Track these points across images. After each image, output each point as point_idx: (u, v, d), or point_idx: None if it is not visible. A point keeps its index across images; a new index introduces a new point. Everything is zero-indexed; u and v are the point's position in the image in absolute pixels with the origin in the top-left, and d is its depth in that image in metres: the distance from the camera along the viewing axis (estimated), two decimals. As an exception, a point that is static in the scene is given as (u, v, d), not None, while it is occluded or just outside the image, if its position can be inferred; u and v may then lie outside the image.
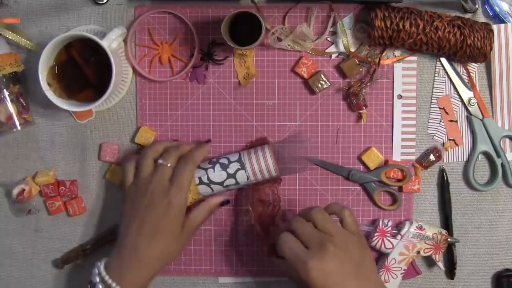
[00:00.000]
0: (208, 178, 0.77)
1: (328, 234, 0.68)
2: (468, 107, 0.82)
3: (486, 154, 0.82)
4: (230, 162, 0.78)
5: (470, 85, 0.82)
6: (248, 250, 0.84)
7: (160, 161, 0.76)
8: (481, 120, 0.82)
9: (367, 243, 0.72)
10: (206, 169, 0.77)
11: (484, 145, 0.82)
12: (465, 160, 0.83)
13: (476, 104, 0.82)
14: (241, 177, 0.77)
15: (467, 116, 0.82)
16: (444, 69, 0.81)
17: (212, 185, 0.77)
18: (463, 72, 0.82)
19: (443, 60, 0.81)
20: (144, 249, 0.73)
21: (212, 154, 0.83)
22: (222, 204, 0.79)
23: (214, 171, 0.77)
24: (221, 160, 0.78)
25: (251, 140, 0.83)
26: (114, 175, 0.83)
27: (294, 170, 0.82)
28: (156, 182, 0.74)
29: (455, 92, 0.82)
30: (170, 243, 0.74)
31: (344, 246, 0.67)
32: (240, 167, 0.77)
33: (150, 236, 0.73)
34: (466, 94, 0.82)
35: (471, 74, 0.82)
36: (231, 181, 0.77)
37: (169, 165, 0.75)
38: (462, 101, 0.82)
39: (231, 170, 0.77)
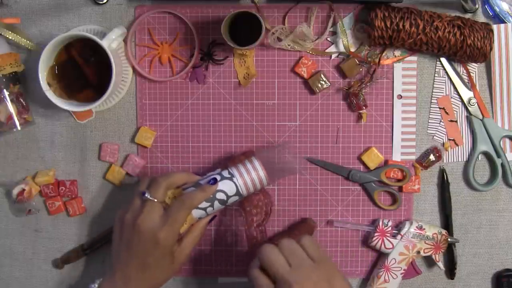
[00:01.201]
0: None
1: (295, 267, 0.65)
2: (468, 107, 0.82)
3: (486, 154, 0.82)
4: (228, 197, 0.74)
5: (470, 85, 0.82)
6: (248, 250, 0.84)
7: (147, 195, 0.71)
8: (481, 120, 0.82)
9: (369, 242, 0.71)
10: (205, 209, 0.74)
11: (484, 145, 0.82)
12: (465, 160, 0.83)
13: (476, 104, 0.82)
14: (235, 198, 0.75)
15: (467, 116, 0.82)
16: (444, 69, 0.81)
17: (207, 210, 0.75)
18: (463, 72, 0.82)
19: (443, 60, 0.81)
20: (134, 279, 0.71)
21: (212, 154, 0.83)
22: (210, 221, 0.77)
23: (213, 209, 0.74)
24: (219, 196, 0.73)
25: (231, 156, 0.82)
26: (114, 175, 0.83)
27: (283, 173, 0.82)
28: (144, 219, 0.70)
29: (455, 92, 0.82)
30: (160, 275, 0.73)
31: (311, 281, 0.65)
32: (236, 193, 0.74)
33: (139, 269, 0.71)
34: (466, 94, 0.82)
35: (471, 74, 0.82)
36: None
37: (155, 200, 0.71)
38: (462, 101, 0.82)
39: (229, 201, 0.75)
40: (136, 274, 0.71)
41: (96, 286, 0.73)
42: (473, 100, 0.81)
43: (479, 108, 0.82)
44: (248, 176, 0.74)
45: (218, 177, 0.73)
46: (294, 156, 0.82)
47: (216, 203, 0.73)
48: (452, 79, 0.81)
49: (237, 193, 0.74)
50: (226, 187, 0.73)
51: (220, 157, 0.83)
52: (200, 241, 0.82)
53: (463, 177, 0.83)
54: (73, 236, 0.85)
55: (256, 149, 0.82)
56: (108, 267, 0.75)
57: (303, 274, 0.65)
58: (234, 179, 0.73)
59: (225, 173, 0.74)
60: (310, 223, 0.82)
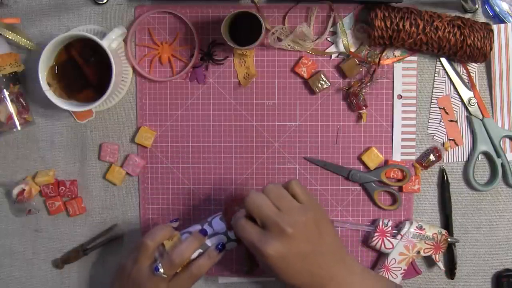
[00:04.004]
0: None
1: (284, 211, 0.66)
2: (468, 107, 0.82)
3: (486, 154, 0.82)
4: (230, 239, 0.73)
5: (470, 85, 0.82)
6: (248, 250, 0.84)
7: (161, 271, 0.70)
8: (481, 120, 0.82)
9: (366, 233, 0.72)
10: (205, 250, 0.73)
11: (484, 145, 0.82)
12: (465, 160, 0.83)
13: (476, 104, 0.81)
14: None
15: (467, 116, 0.82)
16: (444, 69, 0.81)
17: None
18: (463, 72, 0.82)
19: (443, 60, 0.81)
20: None
21: (212, 154, 0.83)
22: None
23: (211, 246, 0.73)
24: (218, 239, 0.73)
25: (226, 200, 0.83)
26: (114, 175, 0.83)
27: None
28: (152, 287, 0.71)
29: (455, 92, 0.82)
30: None
31: (301, 224, 0.65)
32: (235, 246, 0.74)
33: None
34: (466, 94, 0.82)
35: (471, 74, 0.82)
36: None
37: (165, 276, 0.70)
38: (462, 101, 0.82)
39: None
40: None
41: None
42: (473, 100, 0.81)
43: (479, 108, 0.82)
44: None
45: (225, 240, 0.72)
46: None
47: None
48: (452, 79, 0.81)
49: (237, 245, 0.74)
50: (229, 246, 0.73)
51: (220, 157, 0.83)
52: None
53: (463, 177, 0.83)
54: (73, 236, 0.85)
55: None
56: None
57: (293, 216, 0.65)
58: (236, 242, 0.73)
59: (231, 235, 0.72)
60: None
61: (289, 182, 0.69)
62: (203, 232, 0.72)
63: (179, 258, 0.70)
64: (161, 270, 0.69)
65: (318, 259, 0.66)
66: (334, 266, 0.67)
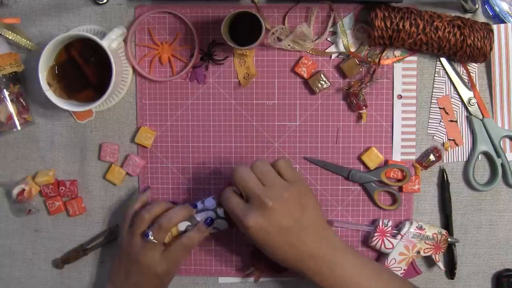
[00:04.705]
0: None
1: (268, 186, 0.69)
2: (468, 107, 0.82)
3: (486, 154, 0.82)
4: (218, 216, 0.76)
5: (470, 85, 0.82)
6: (248, 250, 0.84)
7: (150, 237, 0.74)
8: (481, 120, 0.82)
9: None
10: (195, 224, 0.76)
11: (484, 145, 0.82)
12: (465, 160, 0.83)
13: (476, 104, 0.81)
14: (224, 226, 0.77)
15: (467, 116, 0.82)
16: (444, 69, 0.81)
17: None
18: (463, 72, 0.82)
19: (443, 60, 0.81)
20: None
21: (212, 154, 0.83)
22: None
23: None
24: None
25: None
26: (114, 175, 0.83)
27: None
28: (146, 256, 0.75)
29: (455, 92, 0.82)
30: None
31: (282, 199, 0.69)
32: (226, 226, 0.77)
33: None
34: (466, 94, 0.82)
35: (471, 74, 0.82)
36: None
37: (155, 241, 0.74)
38: (462, 101, 0.82)
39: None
40: None
41: None
42: (473, 100, 0.81)
43: (479, 108, 0.82)
44: None
45: (214, 215, 0.76)
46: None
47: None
48: (452, 79, 0.81)
49: (228, 226, 0.77)
50: (219, 224, 0.76)
51: (220, 157, 0.83)
52: (200, 242, 0.82)
53: (463, 177, 0.83)
54: (73, 236, 0.85)
55: None
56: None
57: (275, 191, 0.69)
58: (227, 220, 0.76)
59: (220, 212, 0.76)
60: None
61: (277, 160, 0.73)
62: (193, 206, 0.77)
63: (167, 222, 0.74)
64: (151, 236, 0.73)
65: (299, 234, 0.69)
66: (316, 242, 0.70)
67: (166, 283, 0.79)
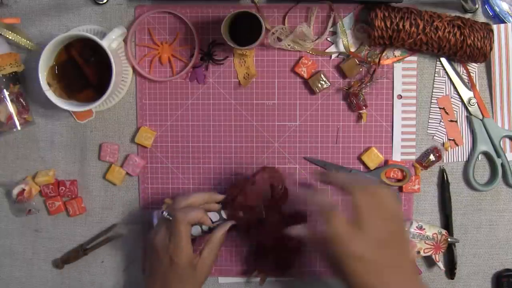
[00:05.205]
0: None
1: (380, 219, 0.63)
2: (468, 107, 0.82)
3: (486, 154, 0.82)
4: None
5: (470, 85, 0.82)
6: (248, 250, 0.84)
7: (165, 214, 0.72)
8: (481, 120, 0.82)
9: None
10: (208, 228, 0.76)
11: (484, 145, 0.82)
12: (465, 160, 0.83)
13: (476, 104, 0.81)
14: None
15: (467, 116, 0.82)
16: (444, 69, 0.81)
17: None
18: (463, 72, 0.82)
19: (443, 60, 0.81)
20: None
21: (212, 154, 0.83)
22: (229, 230, 0.77)
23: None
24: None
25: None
26: (114, 175, 0.83)
27: None
28: (160, 238, 0.73)
29: (455, 92, 0.82)
30: None
31: (391, 234, 0.62)
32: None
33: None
34: (466, 94, 0.82)
35: (471, 74, 0.82)
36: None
37: (170, 218, 0.72)
38: (462, 101, 0.82)
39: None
40: None
41: None
42: (473, 100, 0.81)
43: (479, 108, 0.82)
44: None
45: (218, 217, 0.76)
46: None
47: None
48: (452, 79, 0.81)
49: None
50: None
51: (220, 157, 0.83)
52: (200, 242, 0.82)
53: (463, 177, 0.83)
54: (73, 236, 0.85)
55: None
56: None
57: (363, 183, 0.65)
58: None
59: (224, 215, 0.76)
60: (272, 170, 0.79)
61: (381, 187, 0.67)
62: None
63: (185, 201, 0.74)
64: (165, 213, 0.72)
65: (391, 275, 0.62)
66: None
67: (189, 272, 0.73)
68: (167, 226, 0.72)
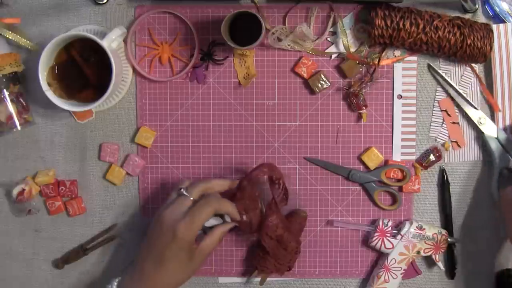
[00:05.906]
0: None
1: None
2: (479, 126, 0.81)
3: (509, 169, 0.80)
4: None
5: (478, 80, 0.81)
6: (248, 250, 0.84)
7: (183, 191, 0.74)
8: (496, 138, 0.80)
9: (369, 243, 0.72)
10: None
11: (503, 163, 0.80)
12: (465, 160, 0.83)
13: (486, 120, 0.80)
14: None
15: (481, 136, 0.81)
16: (450, 95, 0.81)
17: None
18: (464, 73, 0.82)
19: (446, 85, 0.80)
20: (151, 274, 0.73)
21: (212, 154, 0.83)
22: (231, 230, 0.78)
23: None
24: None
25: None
26: (114, 175, 0.83)
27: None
28: (170, 211, 0.73)
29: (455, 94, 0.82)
30: (177, 271, 0.73)
31: None
32: None
33: (156, 263, 0.73)
34: (475, 114, 0.81)
35: (475, 68, 0.81)
36: None
37: (191, 198, 0.74)
38: (465, 100, 0.82)
39: None
40: (152, 269, 0.72)
41: (116, 282, 0.74)
42: (483, 119, 0.81)
43: (491, 105, 0.80)
44: None
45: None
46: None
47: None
48: (460, 103, 0.81)
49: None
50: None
51: (220, 157, 0.83)
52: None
53: (487, 193, 0.82)
54: (73, 236, 0.85)
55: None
56: (130, 265, 0.77)
57: None
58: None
59: (227, 219, 0.77)
60: (301, 213, 0.81)
61: None
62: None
63: (204, 184, 0.75)
64: (183, 190, 0.74)
65: None
66: None
67: (186, 255, 0.73)
68: (180, 201, 0.73)
